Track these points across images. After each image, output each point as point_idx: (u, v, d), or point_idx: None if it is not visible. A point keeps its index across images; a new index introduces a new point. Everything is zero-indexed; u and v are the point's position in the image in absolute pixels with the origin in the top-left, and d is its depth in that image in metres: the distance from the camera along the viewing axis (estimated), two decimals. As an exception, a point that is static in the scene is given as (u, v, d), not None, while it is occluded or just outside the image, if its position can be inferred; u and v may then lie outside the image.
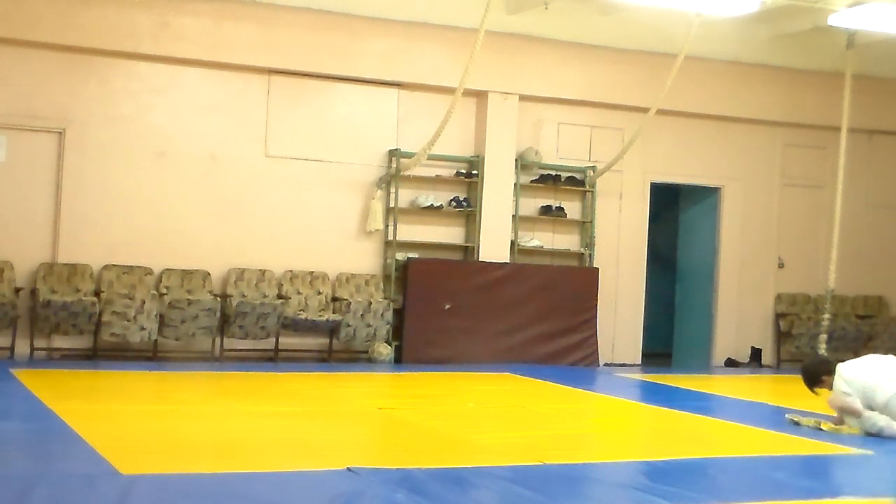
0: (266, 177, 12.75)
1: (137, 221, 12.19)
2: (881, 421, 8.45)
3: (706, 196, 15.13)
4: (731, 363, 14.85)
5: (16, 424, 7.71)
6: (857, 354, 13.16)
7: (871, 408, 8.53)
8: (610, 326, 14.19)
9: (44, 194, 11.92)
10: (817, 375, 8.87)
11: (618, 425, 9.34)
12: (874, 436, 8.42)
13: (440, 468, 6.51)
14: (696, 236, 15.34)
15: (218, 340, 12.26)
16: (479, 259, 13.41)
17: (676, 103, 13.65)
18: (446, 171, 13.49)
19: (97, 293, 11.79)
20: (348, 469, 6.26)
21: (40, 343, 11.70)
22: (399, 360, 12.86)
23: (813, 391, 8.93)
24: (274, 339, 12.44)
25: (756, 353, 14.98)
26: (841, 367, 8.73)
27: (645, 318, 14.62)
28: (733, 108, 14.75)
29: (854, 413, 8.55)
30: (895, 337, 15.04)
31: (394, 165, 13.10)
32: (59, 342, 11.79)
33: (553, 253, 14.07)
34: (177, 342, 12.03)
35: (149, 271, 12.16)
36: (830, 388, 8.73)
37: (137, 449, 6.80)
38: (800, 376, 9.07)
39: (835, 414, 8.82)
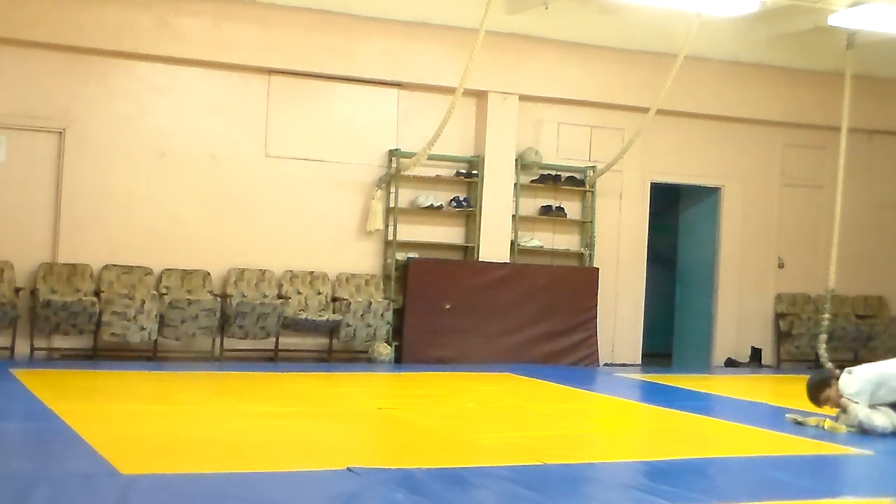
0: (266, 177, 12.75)
1: (137, 221, 12.19)
2: (861, 413, 8.50)
3: (706, 196, 15.13)
4: (731, 363, 14.85)
5: (16, 424, 7.70)
6: (856, 354, 13.21)
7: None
8: (610, 326, 14.19)
9: (44, 194, 11.92)
10: (820, 387, 8.91)
11: (618, 425, 9.34)
12: (867, 432, 8.47)
13: (440, 468, 6.51)
14: (696, 236, 15.33)
15: (218, 340, 12.26)
16: (479, 259, 13.41)
17: (676, 103, 13.65)
18: (446, 171, 13.49)
19: (97, 293, 11.79)
20: (348, 469, 6.26)
21: (40, 343, 11.70)
22: (399, 360, 12.86)
23: (819, 404, 9.00)
24: (274, 339, 12.44)
25: (756, 353, 14.97)
26: (848, 369, 8.81)
27: (645, 318, 14.62)
28: (733, 108, 14.75)
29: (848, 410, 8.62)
30: (895, 337, 15.04)
31: (394, 165, 13.10)
32: (59, 342, 11.79)
33: (553, 253, 14.07)
34: (177, 342, 12.03)
35: (149, 271, 12.16)
36: (834, 400, 8.78)
37: (137, 449, 6.80)
38: (800, 376, 9.13)
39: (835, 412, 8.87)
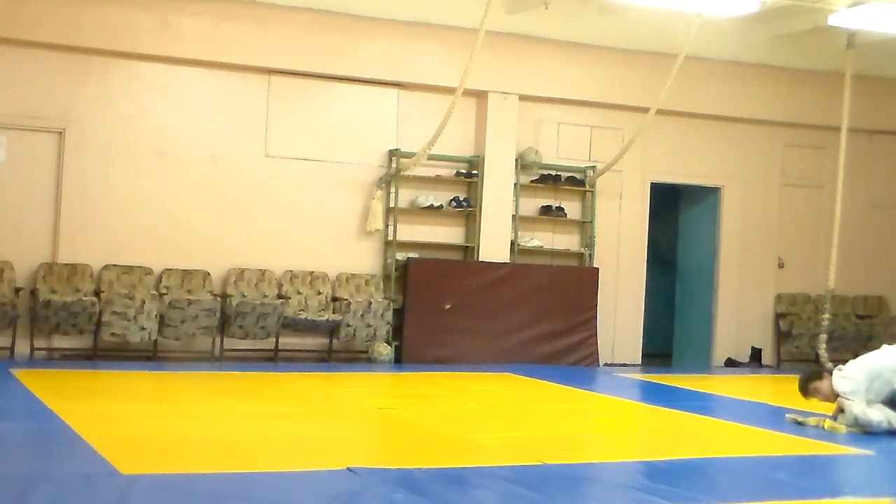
0: (266, 177, 12.75)
1: (137, 221, 12.19)
2: (856, 409, 8.51)
3: (706, 196, 15.13)
4: (731, 363, 14.85)
5: (16, 424, 7.70)
6: (856, 354, 13.19)
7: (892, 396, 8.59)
8: (610, 326, 14.18)
9: (44, 194, 11.92)
10: (812, 380, 8.98)
11: (618, 425, 9.34)
12: (865, 429, 8.49)
13: (440, 468, 6.51)
14: (696, 236, 15.34)
15: (218, 340, 12.26)
16: (479, 259, 13.41)
17: (676, 103, 13.64)
18: (446, 171, 13.49)
19: (97, 293, 11.79)
20: (348, 469, 6.26)
21: (40, 343, 11.70)
22: (399, 360, 12.86)
23: (806, 395, 9.03)
24: (274, 339, 12.44)
25: (756, 353, 14.97)
26: (839, 367, 8.81)
27: (645, 318, 14.62)
28: (733, 108, 14.76)
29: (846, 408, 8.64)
30: (895, 337, 15.03)
31: (394, 165, 13.10)
32: (59, 342, 11.79)
33: (553, 253, 14.07)
34: (177, 342, 12.03)
35: (149, 271, 12.16)
36: (824, 393, 8.80)
37: (137, 449, 6.80)
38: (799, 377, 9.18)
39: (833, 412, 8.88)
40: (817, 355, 13.59)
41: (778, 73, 14.76)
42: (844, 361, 9.01)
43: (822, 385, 8.83)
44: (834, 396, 8.75)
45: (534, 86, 13.72)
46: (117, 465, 6.11)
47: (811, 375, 9.05)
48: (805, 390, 8.99)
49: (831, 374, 8.84)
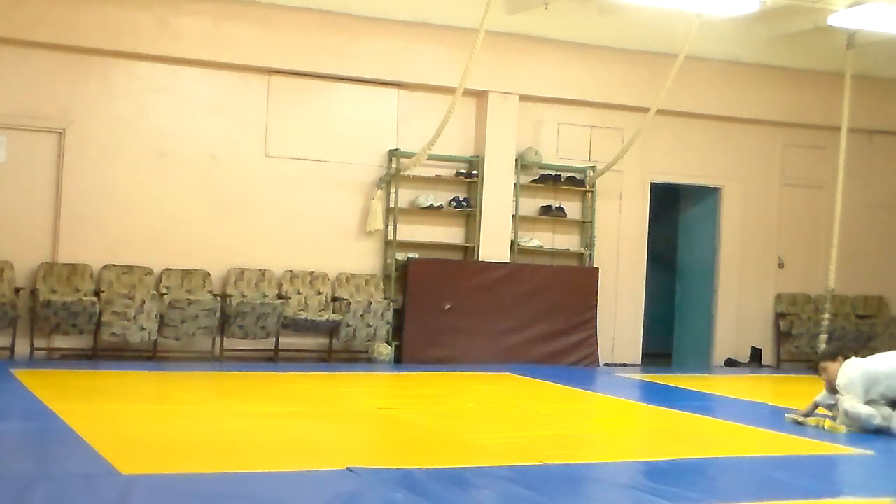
0: (266, 177, 12.75)
1: (137, 221, 12.19)
2: (846, 404, 8.54)
3: (706, 196, 15.13)
4: (731, 363, 14.85)
5: (16, 424, 7.72)
6: (857, 354, 13.21)
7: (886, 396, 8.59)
8: (610, 326, 14.19)
9: (44, 194, 11.92)
10: (825, 358, 9.10)
11: (618, 425, 9.34)
12: (857, 423, 8.51)
13: (440, 468, 6.51)
14: (696, 236, 15.34)
15: (218, 340, 12.26)
16: (479, 259, 13.41)
17: (676, 103, 13.65)
18: (446, 171, 13.49)
19: (97, 293, 11.79)
20: (348, 469, 6.26)
21: (40, 343, 11.70)
22: (399, 360, 12.86)
23: (817, 372, 9.11)
24: (274, 339, 12.44)
25: (756, 353, 14.98)
26: (847, 361, 8.83)
27: (645, 318, 14.62)
28: (733, 108, 14.76)
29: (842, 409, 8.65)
30: (895, 337, 15.04)
31: (394, 165, 13.10)
32: (59, 342, 11.79)
33: (553, 253, 14.07)
34: (177, 342, 12.03)
35: (149, 271, 12.16)
36: (829, 374, 8.84)
37: (137, 449, 6.80)
38: (800, 376, 9.20)
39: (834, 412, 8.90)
40: (817, 355, 13.59)
41: (778, 73, 14.76)
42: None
43: (831, 367, 8.88)
44: (832, 383, 8.78)
45: (534, 86, 13.72)
46: (117, 465, 6.11)
47: (827, 354, 9.18)
48: (817, 365, 9.12)
49: (846, 358, 8.86)
